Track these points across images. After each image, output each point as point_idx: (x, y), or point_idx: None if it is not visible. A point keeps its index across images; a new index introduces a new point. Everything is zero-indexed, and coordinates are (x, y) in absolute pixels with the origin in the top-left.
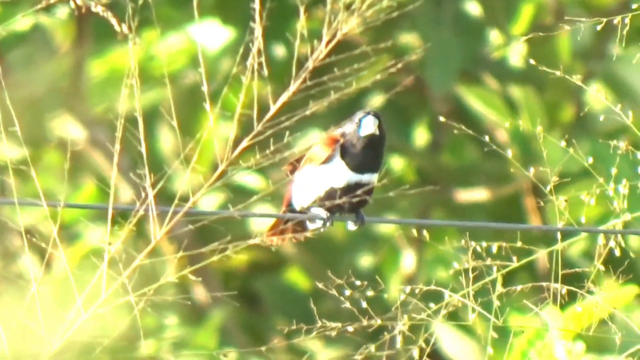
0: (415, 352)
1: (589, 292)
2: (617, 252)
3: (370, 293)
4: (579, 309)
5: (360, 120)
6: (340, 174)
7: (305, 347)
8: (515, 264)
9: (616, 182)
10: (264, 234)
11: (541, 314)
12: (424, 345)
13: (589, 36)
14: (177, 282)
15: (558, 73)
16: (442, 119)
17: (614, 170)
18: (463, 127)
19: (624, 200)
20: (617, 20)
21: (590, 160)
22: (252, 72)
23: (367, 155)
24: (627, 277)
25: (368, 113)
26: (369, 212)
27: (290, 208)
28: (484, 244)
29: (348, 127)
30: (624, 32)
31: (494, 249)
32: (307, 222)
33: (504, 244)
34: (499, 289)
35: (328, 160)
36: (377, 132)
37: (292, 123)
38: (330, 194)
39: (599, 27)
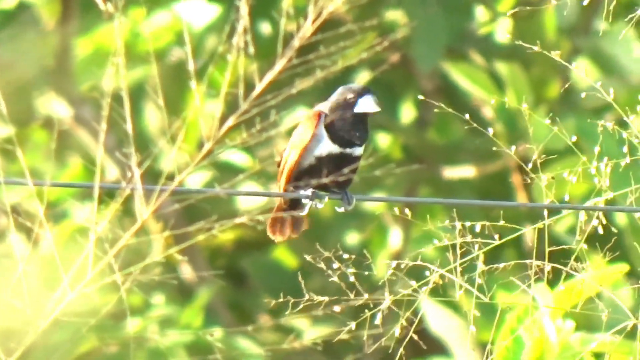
0: (398, 331)
1: (575, 270)
2: (601, 230)
3: (356, 270)
4: (562, 287)
5: (357, 97)
6: (325, 147)
7: (292, 325)
8: (497, 241)
9: (599, 159)
10: (267, 228)
11: (530, 291)
12: (405, 323)
13: (575, 12)
14: (164, 260)
15: (536, 48)
16: (421, 97)
17: (597, 149)
18: (443, 105)
19: (607, 178)
20: None
21: (574, 138)
22: (238, 50)
23: (355, 130)
24: (613, 254)
25: (367, 91)
26: (356, 190)
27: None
28: (468, 224)
29: (334, 102)
30: (610, 8)
31: (478, 227)
32: (298, 209)
33: (487, 224)
34: (481, 265)
35: (313, 139)
36: (379, 109)
37: (278, 101)
38: (315, 167)
39: (585, 2)
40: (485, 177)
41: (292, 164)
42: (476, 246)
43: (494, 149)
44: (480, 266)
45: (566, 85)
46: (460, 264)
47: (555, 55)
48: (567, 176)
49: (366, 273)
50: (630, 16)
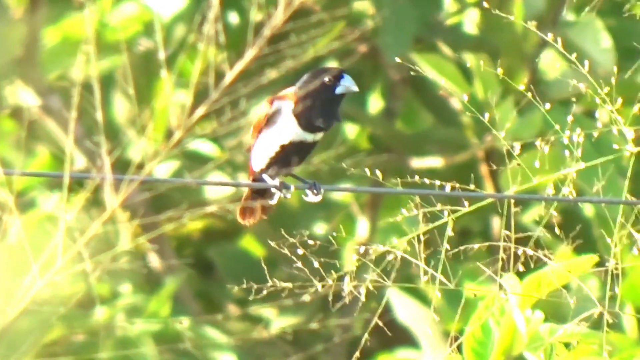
0: (358, 309)
1: (545, 256)
2: (557, 216)
3: (323, 259)
4: (530, 275)
5: (337, 79)
6: (291, 131)
7: (260, 315)
8: (467, 208)
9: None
10: (236, 214)
11: (499, 280)
12: (370, 312)
13: (542, 3)
14: (131, 249)
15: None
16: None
17: (567, 132)
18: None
19: (578, 150)
20: None
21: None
22: (208, 40)
23: (327, 114)
24: (579, 243)
25: (342, 72)
26: (323, 180)
27: (256, 178)
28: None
29: (309, 85)
30: None
31: (445, 217)
32: (267, 198)
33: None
34: (449, 243)
35: (273, 118)
36: (357, 89)
37: (248, 90)
38: (283, 154)
39: None
40: (452, 168)
41: (257, 150)
42: (445, 212)
43: (463, 132)
44: (446, 247)
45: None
46: (427, 252)
47: (532, 25)
48: (539, 145)
49: (330, 255)
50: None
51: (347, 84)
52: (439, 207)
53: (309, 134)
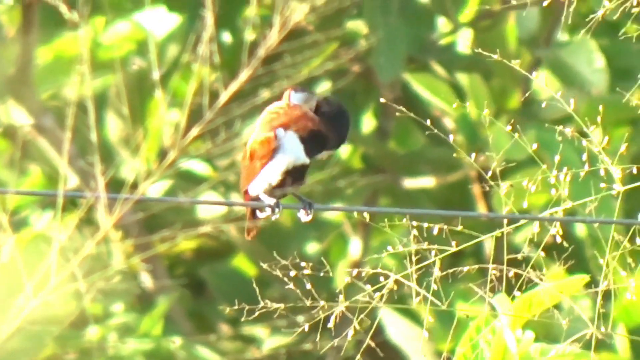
0: (350, 333)
1: (538, 277)
2: (559, 239)
3: (315, 279)
4: (521, 295)
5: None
6: (296, 159)
7: (252, 335)
8: (454, 248)
9: (559, 169)
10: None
11: (490, 300)
12: (362, 331)
13: (536, 23)
14: (124, 269)
15: (496, 56)
16: (383, 100)
17: (557, 157)
18: (404, 109)
19: (566, 187)
20: None
21: (535, 146)
22: (203, 60)
23: (326, 139)
24: (572, 263)
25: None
26: (316, 198)
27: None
28: (425, 225)
29: (314, 111)
30: (570, 9)
31: (436, 230)
32: (257, 211)
33: (445, 227)
34: (437, 272)
35: (278, 149)
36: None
37: (243, 111)
38: (283, 179)
39: (545, 3)
40: (445, 187)
41: (259, 179)
42: (433, 252)
43: (456, 157)
44: (437, 273)
45: (526, 94)
46: (419, 272)
47: (515, 64)
48: (526, 185)
49: (322, 274)
50: (588, 20)
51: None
52: (426, 245)
53: (313, 157)
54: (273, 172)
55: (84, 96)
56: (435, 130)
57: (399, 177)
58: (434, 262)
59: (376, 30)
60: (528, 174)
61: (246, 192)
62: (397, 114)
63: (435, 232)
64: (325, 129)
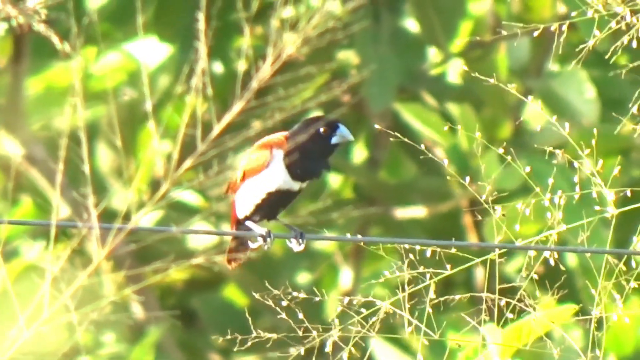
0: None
1: (528, 306)
2: (552, 262)
3: (307, 309)
4: (512, 325)
5: (333, 129)
6: (279, 180)
7: None
8: (448, 271)
9: (551, 196)
10: (223, 262)
11: (480, 329)
12: (354, 351)
13: (527, 54)
14: (116, 300)
15: (492, 80)
16: (377, 126)
17: (550, 181)
18: (399, 134)
19: (559, 211)
20: (554, 27)
21: (528, 169)
22: (196, 91)
23: (318, 164)
24: (563, 292)
25: (338, 121)
26: (309, 230)
27: (239, 226)
28: (418, 248)
29: (303, 135)
30: (561, 40)
31: (429, 253)
32: (249, 242)
33: (439, 250)
34: (432, 295)
35: (268, 165)
36: (353, 138)
37: (235, 142)
38: (266, 202)
39: (535, 33)
40: (436, 218)
41: (243, 195)
42: (428, 276)
43: (449, 187)
44: (432, 295)
45: (517, 122)
46: (411, 303)
47: (511, 88)
48: (520, 208)
49: (314, 306)
50: (578, 50)
51: (344, 134)
52: (422, 269)
53: (296, 183)
54: (258, 190)
55: (75, 127)
56: (430, 155)
57: (390, 207)
58: (427, 287)
59: (367, 60)
60: (519, 202)
61: (235, 221)
62: (391, 139)
63: (428, 254)
64: (311, 155)
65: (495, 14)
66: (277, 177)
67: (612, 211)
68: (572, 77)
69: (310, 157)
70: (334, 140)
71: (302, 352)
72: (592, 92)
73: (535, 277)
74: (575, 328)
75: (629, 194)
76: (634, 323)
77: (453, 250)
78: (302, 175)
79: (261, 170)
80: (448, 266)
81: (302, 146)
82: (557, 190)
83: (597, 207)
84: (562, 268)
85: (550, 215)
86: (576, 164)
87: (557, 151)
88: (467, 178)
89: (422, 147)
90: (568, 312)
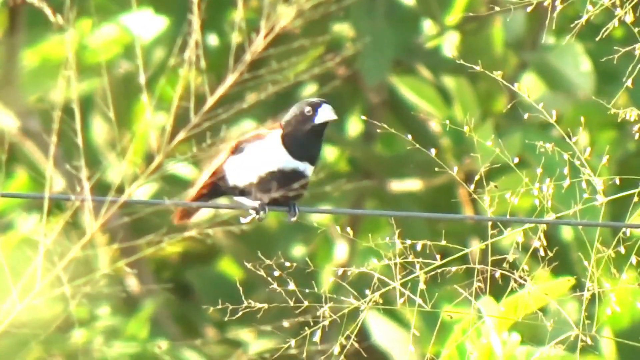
0: (338, 346)
1: (522, 278)
2: (544, 241)
3: (301, 281)
4: (507, 299)
5: (315, 109)
6: (280, 159)
7: (238, 338)
8: (439, 261)
9: (542, 179)
10: (174, 218)
11: (476, 303)
12: (349, 334)
13: (522, 27)
14: (110, 272)
15: (478, 68)
16: (364, 117)
17: (539, 170)
18: (385, 126)
19: (549, 199)
20: (547, 2)
21: (517, 160)
22: (189, 64)
23: (310, 144)
24: (556, 265)
25: (323, 101)
26: (302, 201)
27: (216, 183)
28: (409, 243)
29: (292, 117)
30: (554, 15)
31: (420, 247)
32: (240, 217)
33: (429, 243)
34: (422, 286)
35: (269, 140)
36: (336, 117)
37: (229, 115)
38: (266, 180)
39: (529, 8)
40: (431, 190)
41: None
42: (419, 245)
43: (439, 162)
44: (421, 286)
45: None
46: (404, 273)
47: (497, 75)
48: (509, 197)
49: (308, 279)
50: (574, 26)
51: (324, 113)
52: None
53: (298, 162)
54: (257, 168)
55: (70, 99)
56: (417, 145)
57: (385, 180)
58: (420, 272)
59: (362, 33)
60: (513, 177)
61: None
62: (379, 128)
63: (419, 247)
64: (302, 135)
65: None
66: (276, 154)
67: (601, 200)
68: (568, 50)
69: (302, 138)
70: (316, 120)
71: (296, 325)
72: (588, 65)
73: (530, 251)
74: (571, 301)
75: (617, 182)
76: (630, 297)
77: (443, 242)
78: (301, 153)
79: (255, 140)
80: (437, 256)
81: (293, 128)
82: (550, 166)
83: (586, 195)
84: (549, 250)
85: (539, 202)
86: (566, 156)
87: (548, 145)
88: (455, 169)
89: (409, 137)
90: (564, 286)
